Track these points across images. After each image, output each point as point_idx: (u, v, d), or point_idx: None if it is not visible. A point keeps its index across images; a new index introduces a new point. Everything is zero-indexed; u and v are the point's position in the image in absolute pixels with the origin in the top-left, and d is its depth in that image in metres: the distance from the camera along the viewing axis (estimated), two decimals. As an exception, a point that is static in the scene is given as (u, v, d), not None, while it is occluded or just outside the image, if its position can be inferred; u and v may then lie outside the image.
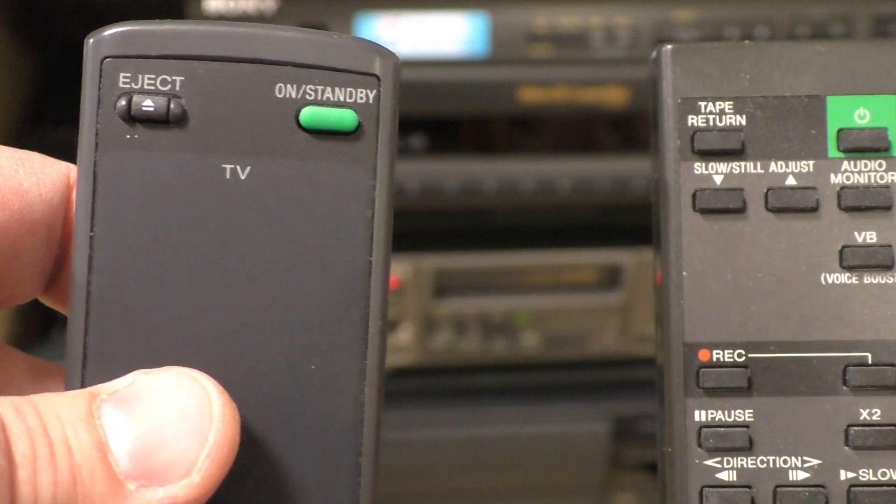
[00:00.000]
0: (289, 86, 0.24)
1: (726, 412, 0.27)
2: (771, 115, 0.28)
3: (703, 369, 0.27)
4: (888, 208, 0.27)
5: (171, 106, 0.24)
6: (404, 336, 0.73)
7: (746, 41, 0.29)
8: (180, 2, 0.66)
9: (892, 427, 0.27)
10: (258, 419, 0.24)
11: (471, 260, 0.73)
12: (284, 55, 0.24)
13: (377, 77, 0.24)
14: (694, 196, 0.28)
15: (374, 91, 0.24)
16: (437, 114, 0.70)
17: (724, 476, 0.27)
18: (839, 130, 0.28)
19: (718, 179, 0.28)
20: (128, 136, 0.24)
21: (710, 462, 0.27)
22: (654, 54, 0.28)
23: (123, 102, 0.24)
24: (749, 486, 0.27)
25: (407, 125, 0.57)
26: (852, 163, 0.28)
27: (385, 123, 0.24)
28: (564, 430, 0.74)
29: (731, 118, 0.28)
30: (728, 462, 0.27)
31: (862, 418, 0.27)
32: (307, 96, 0.24)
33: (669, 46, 0.28)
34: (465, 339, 0.74)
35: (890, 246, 0.27)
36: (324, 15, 0.67)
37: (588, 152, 0.73)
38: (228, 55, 0.24)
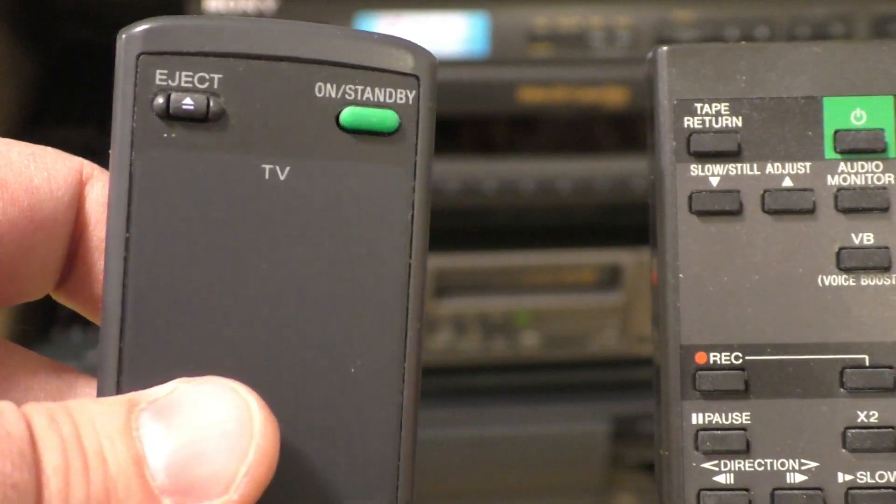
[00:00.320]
0: (329, 85, 0.24)
1: (723, 415, 0.27)
2: (767, 117, 0.28)
3: (700, 372, 0.27)
4: (885, 210, 0.27)
5: (211, 104, 0.23)
6: (404, 336, 0.73)
7: (743, 42, 0.29)
8: (180, 2, 0.66)
9: (890, 429, 0.27)
10: (297, 423, 0.23)
11: (471, 260, 0.73)
12: (324, 54, 0.24)
13: (416, 77, 0.24)
14: (690, 198, 0.27)
15: (414, 92, 0.24)
16: (438, 114, 0.70)
17: (721, 479, 0.27)
18: (836, 132, 0.27)
19: (715, 181, 0.27)
20: (165, 135, 0.23)
21: (707, 465, 0.27)
22: (650, 55, 0.28)
23: (161, 100, 0.23)
24: (746, 489, 0.27)
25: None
26: (849, 164, 0.27)
27: (424, 124, 0.24)
28: (564, 430, 0.74)
29: (727, 120, 0.28)
30: (725, 465, 0.27)
31: (859, 420, 0.27)
32: (347, 96, 0.24)
33: (665, 48, 0.28)
34: (465, 339, 0.74)
35: (887, 247, 0.27)
36: (324, 15, 0.66)
37: (588, 152, 0.73)
38: (267, 53, 0.23)
